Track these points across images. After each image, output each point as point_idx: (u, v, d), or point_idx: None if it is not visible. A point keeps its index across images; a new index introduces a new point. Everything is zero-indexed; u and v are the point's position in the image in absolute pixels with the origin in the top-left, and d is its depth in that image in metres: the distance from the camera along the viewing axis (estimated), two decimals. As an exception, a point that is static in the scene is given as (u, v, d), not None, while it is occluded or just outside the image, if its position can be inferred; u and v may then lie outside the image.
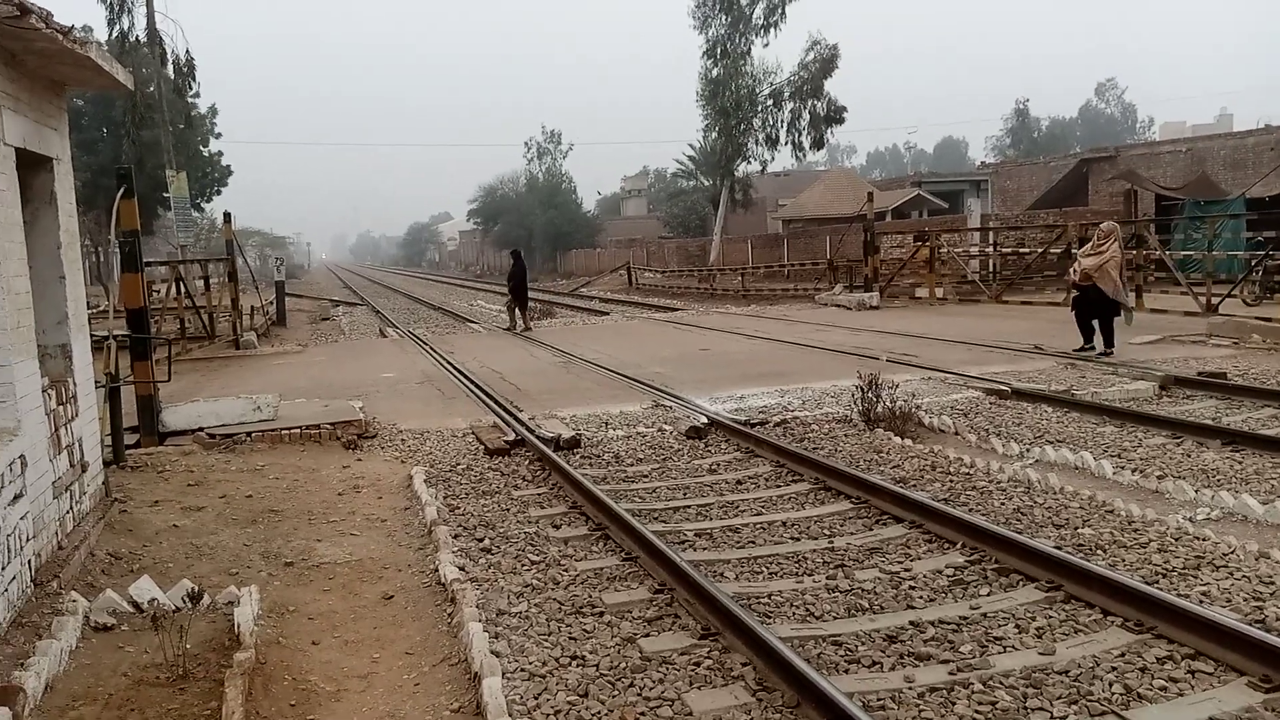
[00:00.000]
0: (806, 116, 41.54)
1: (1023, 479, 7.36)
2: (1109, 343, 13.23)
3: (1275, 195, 25.55)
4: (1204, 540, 5.81)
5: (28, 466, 5.44)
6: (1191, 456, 7.91)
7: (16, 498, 5.20)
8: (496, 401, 11.81)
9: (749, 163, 44.31)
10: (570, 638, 4.93)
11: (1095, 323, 13.37)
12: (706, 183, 52.89)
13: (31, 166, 6.45)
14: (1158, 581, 5.21)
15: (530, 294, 24.12)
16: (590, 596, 5.47)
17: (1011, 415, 9.86)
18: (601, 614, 5.23)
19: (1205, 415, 9.34)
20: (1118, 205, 32.17)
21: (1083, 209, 32.65)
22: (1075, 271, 13.55)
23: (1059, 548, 5.64)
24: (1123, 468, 7.64)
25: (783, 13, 40.97)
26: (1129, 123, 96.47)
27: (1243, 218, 23.95)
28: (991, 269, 26.58)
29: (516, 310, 22.66)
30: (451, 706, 4.31)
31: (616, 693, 4.31)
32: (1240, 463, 7.60)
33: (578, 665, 4.60)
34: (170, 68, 32.03)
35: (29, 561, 5.36)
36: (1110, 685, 4.14)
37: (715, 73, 42.26)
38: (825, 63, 40.48)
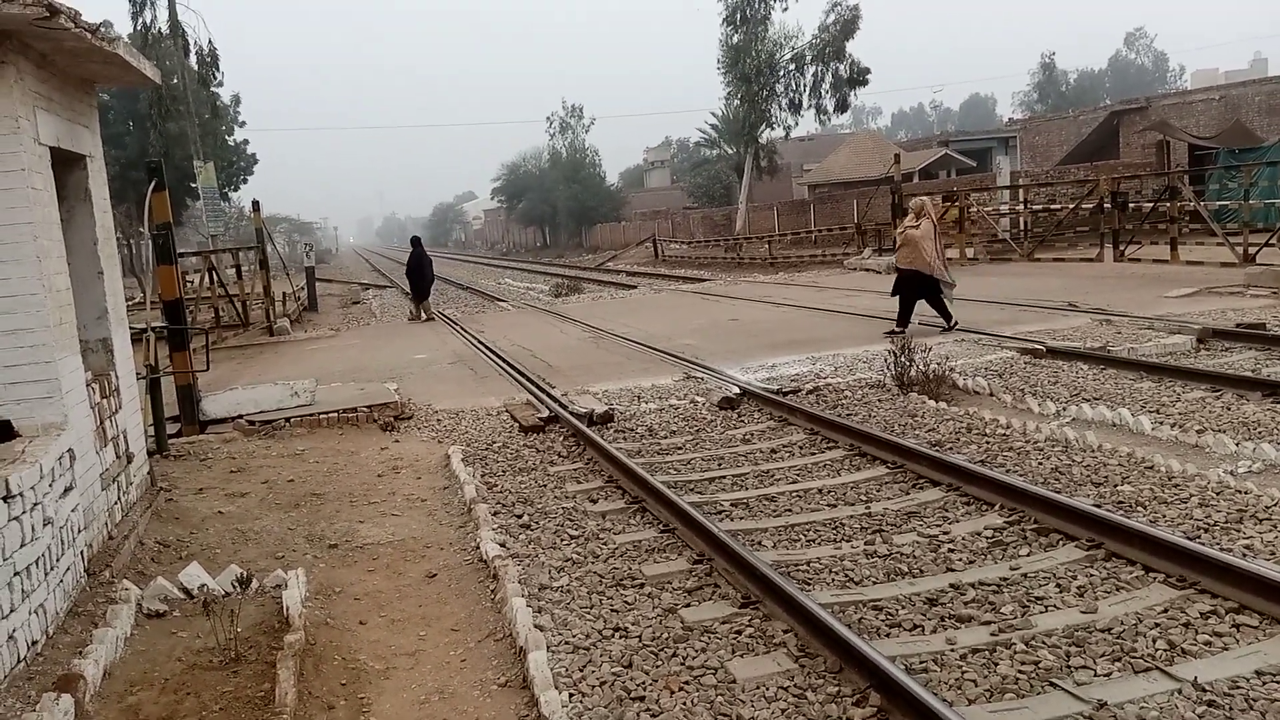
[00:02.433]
0: (829, 79, 41.09)
1: (1060, 438, 7.32)
2: (947, 316, 12.87)
3: (1313, 140, 25.02)
4: (1246, 493, 5.76)
5: (76, 459, 5.56)
6: (1231, 409, 7.82)
7: (67, 490, 5.33)
8: (529, 379, 11.88)
9: (772, 129, 43.89)
10: (612, 610, 4.99)
11: (925, 303, 13.04)
12: (730, 151, 52.50)
13: (66, 164, 6.55)
14: (1199, 536, 5.18)
15: (559, 270, 24.06)
16: (630, 569, 5.53)
17: (1047, 374, 9.79)
18: (642, 586, 5.28)
19: (1245, 367, 9.22)
20: (1150, 157, 31.67)
21: (1114, 162, 32.19)
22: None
23: (1098, 505, 5.62)
24: (1161, 423, 7.57)
25: (802, -25, 40.46)
26: (1160, 72, 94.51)
27: None
28: (1022, 227, 26.26)
29: (416, 302, 22.28)
30: (499, 680, 4.38)
31: (660, 663, 4.37)
32: (1282, 414, 7.51)
33: (620, 637, 4.66)
34: (193, 59, 32.25)
35: (81, 552, 5.50)
36: (1154, 641, 4.13)
37: (735, 39, 41.82)
38: (846, 24, 39.96)
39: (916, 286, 13.02)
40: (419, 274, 22.14)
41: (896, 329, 12.98)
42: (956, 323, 12.82)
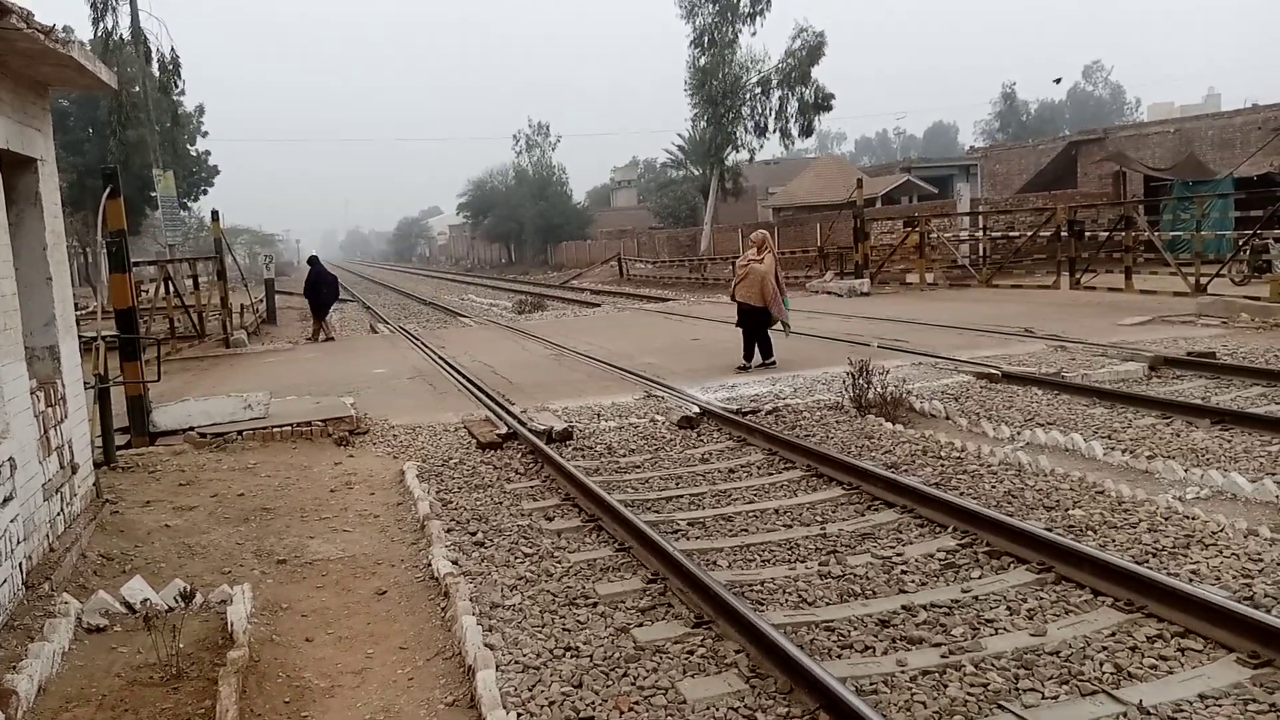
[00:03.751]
0: (795, 104, 41.46)
1: (1014, 462, 7.39)
2: (767, 352, 12.84)
3: (1263, 174, 25.63)
4: (1193, 519, 5.84)
5: (17, 469, 5.42)
6: (1181, 436, 7.94)
7: (6, 500, 5.19)
8: (488, 395, 11.80)
9: (738, 151, 44.19)
10: (564, 629, 4.94)
11: (754, 338, 12.95)
12: (696, 172, 52.78)
13: (15, 167, 6.43)
14: (1148, 561, 5.24)
15: (523, 286, 24.10)
16: (583, 588, 5.48)
17: (1002, 398, 9.89)
18: (595, 605, 5.24)
19: (1195, 395, 9.38)
20: (1106, 187, 32.29)
21: (1072, 191, 32.76)
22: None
23: (1050, 529, 5.67)
24: (1113, 448, 7.67)
25: (768, 1, 40.89)
26: (1117, 104, 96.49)
27: (1231, 197, 24.03)
28: (981, 253, 26.59)
29: (317, 320, 22.31)
30: (446, 700, 4.31)
31: (610, 683, 4.32)
32: (1229, 441, 7.64)
33: (572, 656, 4.61)
34: (155, 66, 31.87)
35: (20, 564, 5.36)
36: (1101, 664, 4.16)
37: (703, 62, 42.13)
38: (812, 50, 40.40)
39: (756, 320, 12.88)
40: (315, 292, 22.13)
41: (743, 365, 12.78)
42: (774, 361, 12.74)
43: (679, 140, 58.14)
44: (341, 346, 20.46)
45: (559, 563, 5.93)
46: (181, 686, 4.37)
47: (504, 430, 9.53)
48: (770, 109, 42.03)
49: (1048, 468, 7.15)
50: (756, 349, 12.90)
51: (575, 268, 57.69)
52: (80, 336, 7.61)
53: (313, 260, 23.66)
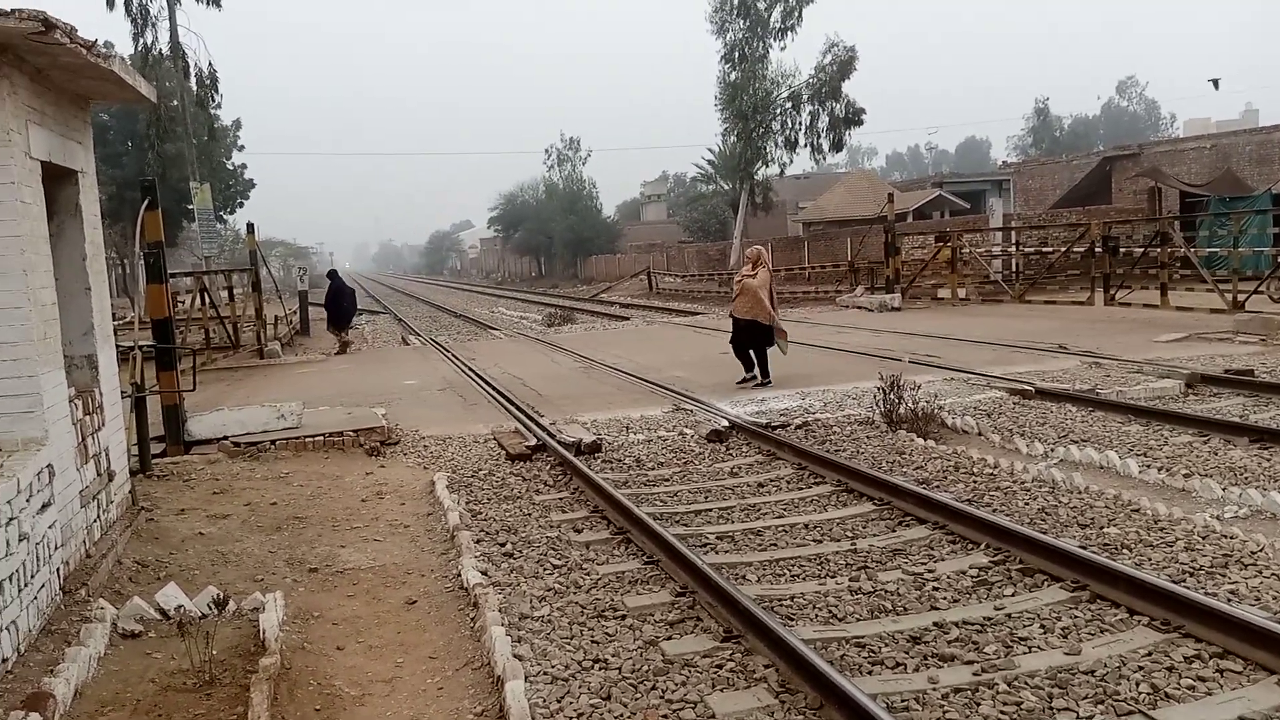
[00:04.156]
0: (825, 119, 41.48)
1: (1047, 479, 7.31)
2: (765, 373, 12.59)
3: (1302, 190, 25.26)
4: (1232, 538, 5.74)
5: (55, 475, 5.51)
6: (1219, 454, 7.82)
7: (45, 506, 5.27)
8: (518, 407, 11.84)
9: (768, 166, 44.25)
10: (592, 641, 4.94)
11: (752, 353, 12.75)
12: (726, 186, 52.83)
13: (57, 179, 6.54)
14: (1185, 580, 5.16)
15: (553, 300, 24.23)
16: (612, 600, 5.47)
17: (1035, 415, 9.79)
18: (623, 617, 5.23)
19: (1232, 413, 9.24)
20: (1142, 203, 31.95)
21: (1106, 207, 32.45)
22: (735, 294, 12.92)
23: (1084, 547, 5.60)
24: (1148, 466, 7.56)
25: (800, 16, 40.95)
26: (1152, 119, 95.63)
27: (1269, 213, 23.69)
28: (1014, 269, 26.38)
29: (336, 332, 22.49)
30: (475, 710, 4.32)
31: (639, 695, 4.31)
32: (1268, 460, 7.51)
33: (600, 668, 4.61)
34: (193, 81, 32.39)
35: (57, 570, 5.43)
36: (1137, 685, 4.10)
37: (733, 77, 42.25)
38: (843, 65, 40.41)
39: (752, 336, 12.71)
40: (335, 305, 22.52)
41: (748, 376, 12.68)
42: (770, 381, 12.52)
43: (709, 155, 58.27)
44: (373, 358, 20.62)
45: (587, 575, 5.93)
46: (214, 693, 4.41)
47: (533, 442, 9.55)
48: (800, 123, 42.09)
49: (1082, 485, 7.06)
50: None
51: (604, 281, 57.82)
52: (118, 346, 7.72)
53: (332, 274, 24.03)
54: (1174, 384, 10.72)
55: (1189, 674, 4.16)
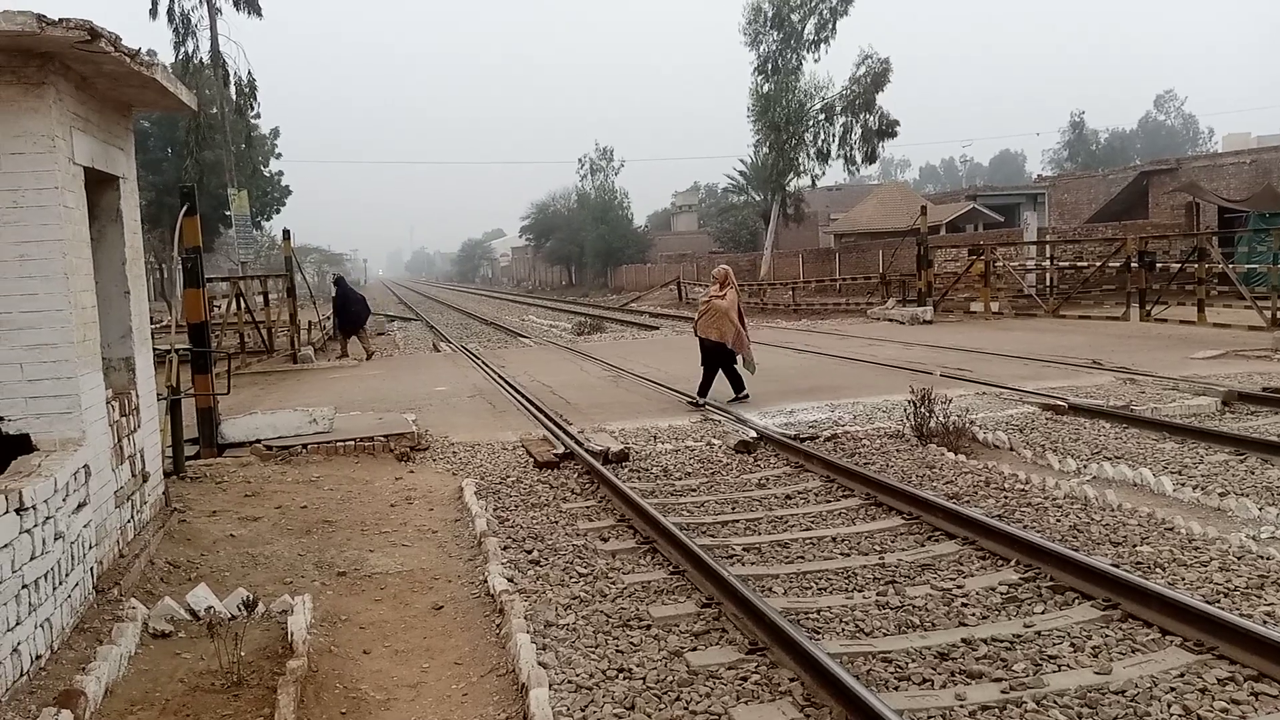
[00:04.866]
0: (858, 130, 41.32)
1: (1079, 495, 7.22)
2: (739, 388, 12.31)
3: (1344, 206, 24.85)
4: (1268, 559, 5.65)
5: (91, 476, 5.59)
6: (1255, 473, 7.70)
7: (80, 506, 5.35)
8: (546, 415, 11.88)
9: (800, 177, 44.14)
10: (617, 650, 4.93)
11: (720, 372, 12.43)
12: (757, 198, 52.80)
13: (99, 185, 6.66)
14: (1219, 601, 5.08)
15: (583, 308, 24.31)
16: (637, 610, 5.47)
17: (1068, 431, 9.68)
18: (649, 627, 5.22)
19: (1270, 431, 9.09)
20: (1179, 218, 31.56)
21: (1143, 222, 32.09)
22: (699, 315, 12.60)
23: (1116, 565, 5.52)
24: (1183, 484, 7.46)
25: (833, 28, 40.88)
26: (1190, 134, 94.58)
27: (1310, 230, 23.29)
28: (1048, 283, 26.15)
29: (343, 338, 22.56)
30: (499, 717, 4.33)
31: (663, 706, 4.31)
32: (1307, 480, 7.38)
33: (624, 678, 4.60)
34: (232, 89, 32.87)
35: (91, 568, 5.51)
36: (1169, 706, 4.04)
37: (766, 88, 42.22)
38: (877, 76, 40.25)
39: (718, 356, 12.40)
40: (344, 311, 22.60)
41: (698, 399, 12.27)
42: (747, 395, 12.29)
43: (741, 165, 58.29)
44: (405, 364, 20.76)
45: (613, 583, 5.93)
46: (242, 694, 4.45)
47: (561, 450, 9.58)
48: (834, 135, 41.95)
49: (1115, 502, 6.97)
50: (717, 384, 12.36)
51: (635, 290, 57.86)
52: (155, 349, 7.83)
53: (338, 281, 24.03)
54: (1210, 401, 10.57)
55: (1222, 696, 4.09)
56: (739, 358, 12.43)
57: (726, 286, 12.46)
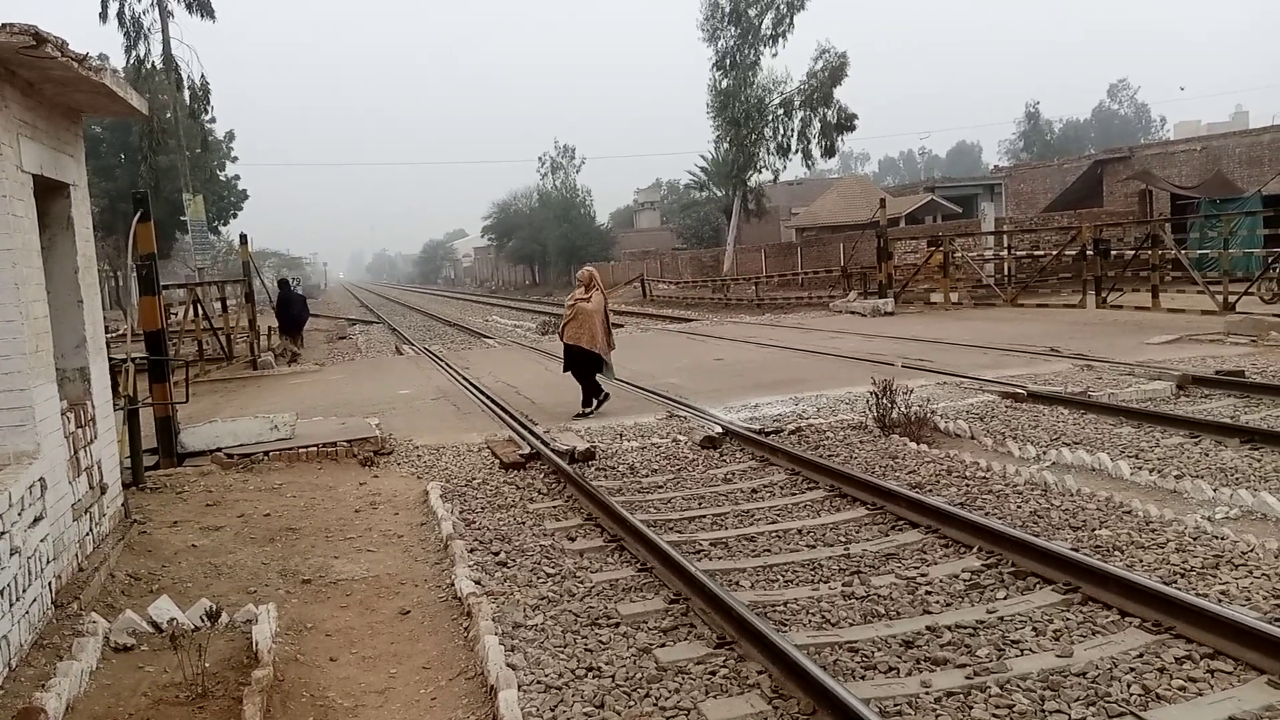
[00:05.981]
0: (817, 125, 41.55)
1: (1039, 481, 7.33)
2: (589, 399, 11.86)
3: (1292, 191, 25.39)
4: (1223, 539, 5.77)
5: (47, 489, 5.50)
6: (1209, 455, 7.85)
7: (37, 520, 5.26)
8: (511, 416, 11.84)
9: (761, 172, 44.30)
10: (586, 649, 4.94)
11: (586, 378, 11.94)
12: (719, 193, 52.97)
13: (49, 193, 6.55)
14: (1176, 581, 5.18)
15: (547, 308, 24.52)
16: (606, 608, 5.48)
17: (1028, 418, 9.82)
18: (617, 625, 5.23)
19: (1223, 414, 9.27)
20: (1133, 206, 32.08)
21: (1098, 210, 32.57)
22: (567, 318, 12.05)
23: (1076, 549, 5.61)
24: (1140, 468, 7.59)
25: (791, 22, 41.04)
26: (1143, 123, 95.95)
27: (1259, 215, 23.80)
28: (1006, 272, 26.49)
29: (287, 340, 23.11)
30: (468, 719, 4.32)
31: (633, 703, 4.32)
32: (1259, 461, 7.54)
33: (594, 676, 4.61)
34: (186, 93, 32.42)
35: (49, 583, 5.42)
36: (1128, 686, 4.11)
37: (725, 84, 42.32)
38: (835, 71, 40.50)
39: (588, 361, 11.87)
40: (285, 313, 23.47)
41: (585, 410, 11.79)
42: (596, 407, 11.81)
43: (702, 161, 58.42)
44: (367, 368, 20.60)
45: (581, 583, 5.93)
46: (207, 705, 4.40)
47: (527, 450, 9.56)
48: (793, 130, 42.16)
49: (1074, 487, 7.08)
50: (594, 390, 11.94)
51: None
52: (110, 358, 7.71)
53: (282, 283, 25.15)
54: (1165, 386, 10.76)
55: (1180, 675, 4.17)
56: (605, 365, 11.93)
57: (592, 289, 11.92)
